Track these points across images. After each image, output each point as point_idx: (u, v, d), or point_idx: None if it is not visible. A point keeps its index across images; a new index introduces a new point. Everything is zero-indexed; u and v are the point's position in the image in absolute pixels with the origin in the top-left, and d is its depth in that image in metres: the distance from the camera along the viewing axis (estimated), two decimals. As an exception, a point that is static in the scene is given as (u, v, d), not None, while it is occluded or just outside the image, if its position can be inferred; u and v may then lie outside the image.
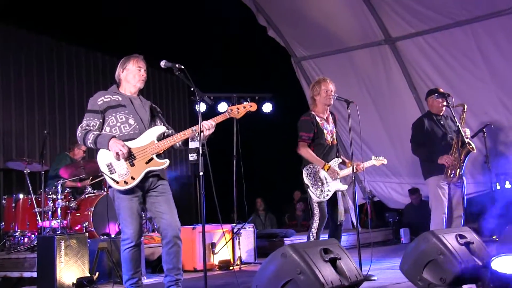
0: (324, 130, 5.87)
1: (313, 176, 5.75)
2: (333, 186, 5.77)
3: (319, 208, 5.71)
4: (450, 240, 4.49)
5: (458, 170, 6.18)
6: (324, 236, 5.75)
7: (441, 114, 6.59)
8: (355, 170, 5.84)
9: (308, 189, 5.74)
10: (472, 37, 8.84)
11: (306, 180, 5.75)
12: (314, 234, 5.70)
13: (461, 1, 8.47)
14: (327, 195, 5.73)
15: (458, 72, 9.22)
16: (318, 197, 5.69)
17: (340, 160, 5.91)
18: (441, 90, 6.64)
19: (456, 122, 6.23)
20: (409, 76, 9.82)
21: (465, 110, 6.44)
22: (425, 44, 9.35)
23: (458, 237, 4.60)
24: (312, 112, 5.91)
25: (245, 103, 4.79)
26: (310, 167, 5.78)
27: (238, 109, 4.72)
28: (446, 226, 6.20)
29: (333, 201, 5.83)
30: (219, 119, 4.63)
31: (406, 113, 9.75)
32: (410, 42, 9.53)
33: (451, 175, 6.23)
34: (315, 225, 5.70)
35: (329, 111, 6.07)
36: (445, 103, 6.45)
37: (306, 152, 5.79)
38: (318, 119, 5.86)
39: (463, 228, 4.97)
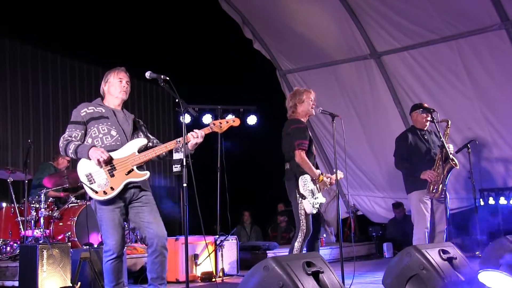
0: (313, 139, 5.89)
1: (307, 187, 5.68)
2: (320, 199, 5.74)
3: (306, 221, 5.57)
4: (433, 255, 4.51)
5: (441, 185, 6.20)
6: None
7: (425, 129, 6.63)
8: (330, 184, 5.85)
9: (304, 199, 5.56)
10: (457, 53, 8.92)
11: (302, 190, 5.57)
12: (298, 248, 5.63)
13: (447, 17, 8.55)
14: (316, 208, 5.69)
15: (443, 87, 9.28)
16: (312, 210, 5.61)
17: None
18: (426, 105, 6.68)
19: (441, 137, 6.26)
20: (394, 90, 9.88)
21: (449, 125, 6.50)
22: (410, 59, 9.42)
23: (441, 252, 4.62)
24: (302, 119, 5.81)
25: (228, 117, 4.80)
26: (306, 178, 5.63)
27: (221, 123, 4.73)
28: (428, 241, 6.21)
29: (316, 214, 5.81)
30: (201, 132, 4.63)
31: (391, 127, 9.81)
32: (395, 57, 9.59)
33: (434, 190, 6.25)
34: (300, 238, 5.57)
35: None
36: (429, 118, 6.47)
37: (305, 161, 5.59)
38: None
39: (446, 243, 5.00)
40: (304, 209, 5.57)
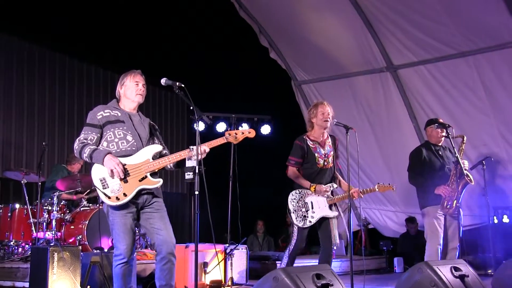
0: (316, 154, 5.84)
1: (297, 201, 5.72)
2: (319, 213, 5.72)
3: (297, 233, 5.71)
4: (445, 272, 4.47)
5: (455, 201, 6.16)
6: (313, 261, 5.72)
7: (440, 144, 6.59)
8: (352, 197, 5.79)
9: (290, 214, 5.73)
10: (475, 69, 8.83)
11: (289, 205, 5.75)
12: (286, 259, 5.76)
13: (466, 32, 8.48)
14: (310, 222, 5.69)
15: (459, 102, 9.20)
16: (298, 223, 5.68)
17: (336, 186, 5.89)
18: (441, 120, 6.64)
19: (455, 153, 6.22)
20: (409, 104, 9.82)
21: (465, 141, 6.44)
22: (427, 73, 9.34)
23: (453, 269, 4.57)
24: (304, 137, 5.91)
25: (244, 129, 4.79)
26: (296, 193, 5.77)
27: (236, 134, 4.72)
28: (440, 258, 6.16)
29: (324, 226, 5.78)
30: (216, 142, 4.64)
31: (405, 141, 9.74)
32: (412, 71, 9.53)
33: (448, 206, 6.21)
34: (290, 248, 5.75)
35: (329, 134, 6.05)
36: (444, 134, 6.44)
37: (293, 174, 5.83)
38: (310, 143, 5.86)
39: (458, 261, 4.95)
40: (294, 222, 5.72)
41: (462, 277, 4.56)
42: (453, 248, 6.29)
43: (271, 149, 10.73)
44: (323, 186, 5.75)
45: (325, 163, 5.88)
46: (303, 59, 10.71)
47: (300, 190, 5.76)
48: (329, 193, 5.81)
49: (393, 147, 10.26)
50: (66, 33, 9.42)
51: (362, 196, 5.94)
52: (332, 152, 5.97)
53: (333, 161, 5.99)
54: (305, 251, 11.56)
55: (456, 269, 4.60)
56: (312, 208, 5.69)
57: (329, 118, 5.88)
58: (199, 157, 4.46)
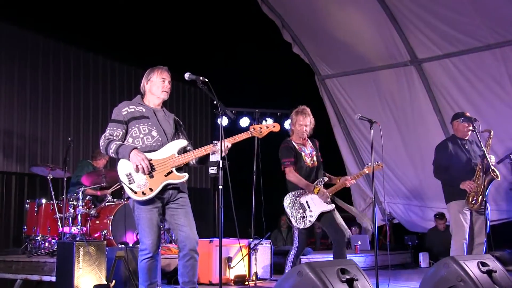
0: (302, 153, 5.89)
1: (293, 204, 5.73)
2: (317, 210, 5.71)
3: (298, 235, 5.73)
4: (472, 267, 4.40)
5: (481, 196, 6.08)
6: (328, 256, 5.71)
7: (466, 138, 6.50)
8: (343, 185, 5.85)
9: (289, 218, 5.74)
10: (502, 62, 8.71)
11: (287, 210, 5.75)
12: (291, 263, 5.77)
13: (492, 24, 8.36)
14: (310, 221, 5.69)
15: (486, 96, 9.09)
16: (298, 225, 5.68)
17: (326, 179, 5.88)
18: (468, 114, 6.55)
19: (482, 148, 6.13)
20: (434, 98, 9.72)
21: (492, 136, 6.33)
22: (452, 66, 9.25)
23: (480, 264, 4.50)
24: (288, 139, 5.97)
25: (268, 123, 4.78)
26: (290, 196, 5.78)
27: (261, 128, 4.72)
28: (466, 253, 6.09)
29: (328, 220, 5.76)
30: (241, 137, 4.63)
31: (430, 135, 9.65)
32: (436, 64, 9.43)
33: (473, 202, 6.13)
34: (293, 251, 5.78)
35: (309, 138, 6.07)
36: (471, 128, 6.35)
37: (294, 176, 5.79)
38: (295, 144, 5.91)
39: (485, 256, 4.87)
40: (293, 224, 5.73)
41: (489, 272, 4.49)
42: (480, 243, 6.21)
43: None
44: (326, 191, 5.74)
45: (312, 162, 5.92)
46: (326, 53, 10.67)
47: (293, 192, 5.78)
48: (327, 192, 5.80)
49: (418, 141, 10.18)
50: (91, 30, 9.48)
51: (354, 182, 6.00)
52: (314, 152, 6.02)
53: (318, 160, 5.99)
54: (329, 246, 11.53)
55: (483, 264, 4.53)
56: (309, 207, 5.70)
57: (307, 129, 5.93)
58: (223, 153, 4.47)
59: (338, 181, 5.92)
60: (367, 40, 9.93)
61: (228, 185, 4.40)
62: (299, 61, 10.89)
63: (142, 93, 4.80)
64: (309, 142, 6.04)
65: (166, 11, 9.93)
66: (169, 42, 10.19)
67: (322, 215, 5.73)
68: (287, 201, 5.76)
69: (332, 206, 5.77)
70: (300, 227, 5.68)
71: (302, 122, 5.89)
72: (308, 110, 6.00)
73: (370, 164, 5.97)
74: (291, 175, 5.80)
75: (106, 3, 9.18)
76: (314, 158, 5.96)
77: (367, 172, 5.98)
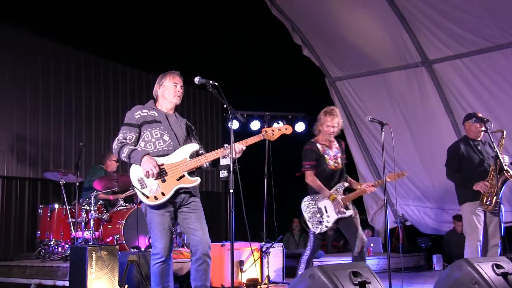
0: (326, 156, 5.85)
1: (311, 208, 5.71)
2: (334, 215, 5.69)
3: (314, 239, 5.72)
4: (486, 269, 4.37)
5: (495, 197, 6.03)
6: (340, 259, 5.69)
7: (479, 139, 6.46)
8: (363, 191, 5.84)
9: (306, 222, 5.73)
10: (513, 61, 8.69)
11: (304, 213, 5.74)
12: (304, 265, 5.72)
13: (503, 24, 8.31)
14: (326, 226, 5.68)
15: (497, 96, 9.03)
16: (315, 229, 5.66)
17: (347, 184, 5.85)
18: (480, 114, 6.52)
19: (495, 148, 6.09)
20: (445, 99, 9.67)
21: (504, 136, 6.29)
22: (463, 67, 9.20)
23: (494, 266, 4.46)
24: (313, 140, 5.93)
25: (280, 125, 4.77)
26: (308, 199, 5.77)
27: (273, 131, 4.71)
28: (481, 255, 6.05)
29: (347, 225, 5.74)
30: (253, 140, 4.62)
31: (442, 137, 9.60)
32: (447, 65, 9.38)
33: (487, 203, 6.08)
34: (307, 253, 5.75)
35: (335, 139, 6.03)
36: (483, 128, 6.32)
37: (313, 181, 5.77)
38: (319, 146, 5.87)
39: (500, 258, 4.83)
40: (310, 228, 5.72)
41: (504, 275, 4.45)
42: (494, 245, 6.16)
43: (306, 146, 10.69)
44: (340, 201, 5.70)
45: (335, 164, 5.88)
46: (336, 55, 10.65)
47: (312, 196, 5.76)
48: (341, 197, 5.76)
49: (430, 143, 10.13)
50: (102, 35, 9.53)
51: (375, 189, 5.95)
52: (339, 154, 5.97)
53: (342, 162, 5.97)
54: (340, 249, 11.52)
55: (498, 266, 4.49)
56: (326, 212, 5.68)
57: (335, 130, 5.89)
58: (236, 156, 4.46)
59: (358, 187, 5.88)
60: (377, 42, 9.91)
61: (239, 189, 4.40)
62: (310, 64, 10.88)
63: (154, 98, 4.82)
64: (335, 143, 6.01)
65: (176, 15, 9.96)
66: (179, 46, 10.22)
67: (340, 220, 5.72)
68: (305, 204, 5.76)
69: (350, 212, 5.73)
70: (316, 232, 5.66)
71: (330, 123, 5.85)
72: (337, 110, 5.98)
73: (392, 171, 6.02)
74: (310, 179, 5.79)
75: (117, 7, 9.22)
76: (339, 160, 5.92)
77: (389, 180, 5.92)
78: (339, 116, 5.94)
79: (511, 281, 4.46)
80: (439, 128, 9.92)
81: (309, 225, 5.68)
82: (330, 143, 5.95)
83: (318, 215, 5.66)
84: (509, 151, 8.40)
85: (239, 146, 4.51)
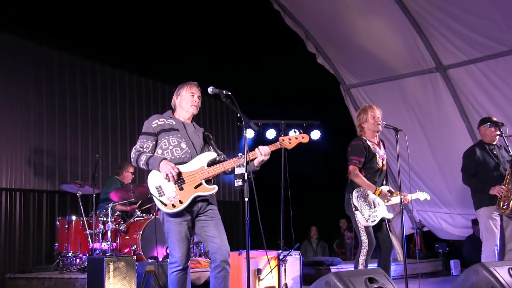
0: (377, 154, 5.80)
1: (364, 199, 5.65)
2: (380, 212, 5.66)
3: (366, 233, 5.58)
4: (502, 273, 4.36)
5: (512, 201, 6.02)
6: (373, 265, 5.65)
7: (494, 143, 6.45)
8: (402, 201, 5.75)
9: (357, 211, 5.61)
10: (528, 65, 8.64)
11: (356, 202, 5.63)
12: (363, 262, 5.57)
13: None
14: (374, 220, 5.63)
15: (512, 100, 9.01)
16: (366, 221, 5.58)
17: (388, 188, 5.82)
18: (494, 119, 6.51)
19: (510, 152, 6.08)
20: (460, 104, 9.64)
21: (519, 139, 6.30)
22: (478, 72, 9.16)
23: (511, 270, 4.46)
24: (363, 137, 5.86)
25: (297, 134, 4.79)
26: (360, 190, 5.68)
27: (290, 140, 4.71)
28: (498, 259, 6.02)
29: (380, 228, 5.73)
30: (270, 148, 4.63)
31: (457, 142, 9.56)
32: (462, 70, 9.35)
33: (504, 207, 6.07)
34: (364, 251, 5.57)
35: (379, 138, 6.01)
36: (498, 133, 6.31)
37: (357, 176, 5.68)
38: (369, 143, 5.81)
39: (516, 262, 4.82)
40: (359, 221, 5.57)
41: (521, 279, 4.44)
42: (511, 249, 6.14)
43: (322, 154, 10.72)
44: (387, 192, 5.68)
45: (383, 165, 5.86)
46: (351, 63, 10.66)
47: (362, 188, 5.69)
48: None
49: (445, 148, 10.09)
50: (118, 46, 9.61)
51: (409, 201, 5.87)
52: (385, 155, 5.94)
53: (387, 163, 5.94)
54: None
55: (514, 270, 4.49)
56: (375, 207, 5.64)
57: (380, 121, 5.83)
58: (264, 159, 4.53)
59: (395, 195, 5.81)
60: (391, 48, 9.90)
61: (254, 197, 4.42)
62: (324, 72, 10.90)
63: (172, 108, 4.89)
64: (381, 143, 6.00)
65: (190, 25, 10.03)
66: (193, 56, 10.28)
67: (380, 221, 5.71)
68: (357, 194, 5.67)
69: (392, 215, 5.74)
70: (365, 224, 5.58)
71: (375, 114, 5.85)
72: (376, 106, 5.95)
73: (422, 193, 6.06)
74: (356, 174, 5.70)
75: (132, 19, 9.30)
76: (385, 161, 5.91)
77: (418, 197, 6.01)
78: (380, 110, 5.92)
79: (526, 285, 4.45)
80: (454, 133, 9.88)
81: (358, 215, 5.59)
82: (378, 143, 5.93)
83: (368, 207, 5.61)
84: (525, 155, 8.36)
85: (265, 149, 4.54)
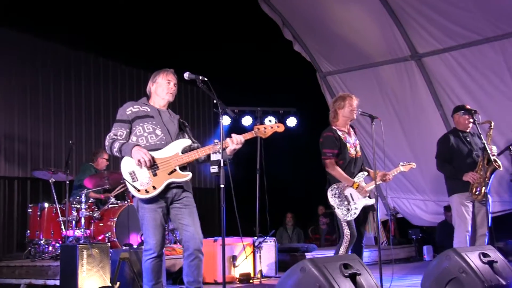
0: (347, 144, 5.76)
1: (339, 195, 5.64)
2: (360, 203, 5.66)
3: (348, 227, 5.57)
4: (473, 258, 4.43)
5: (484, 187, 6.10)
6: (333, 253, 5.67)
7: (468, 131, 6.52)
8: (382, 181, 5.77)
9: (335, 210, 5.60)
10: (501, 54, 8.71)
11: (332, 201, 5.60)
12: (343, 254, 5.63)
13: (491, 18, 8.36)
14: (355, 213, 5.61)
15: (486, 89, 9.09)
16: (346, 217, 5.60)
17: (366, 173, 5.83)
18: (468, 106, 6.57)
19: (483, 139, 6.15)
20: (435, 92, 9.73)
21: (492, 127, 6.36)
22: (452, 60, 9.25)
23: (481, 255, 4.53)
24: (334, 127, 5.84)
25: (273, 123, 4.77)
26: (334, 187, 5.64)
27: (265, 128, 4.70)
28: (469, 245, 6.11)
29: (363, 217, 5.76)
30: (245, 136, 4.61)
31: (431, 129, 9.66)
32: (437, 58, 9.43)
33: (477, 192, 6.15)
34: (345, 244, 5.57)
35: (350, 124, 6.01)
36: (471, 120, 6.38)
37: (334, 169, 5.65)
38: (340, 133, 5.78)
39: (486, 247, 4.91)
40: (340, 217, 5.59)
41: (490, 263, 4.52)
42: (482, 235, 6.23)
43: (297, 141, 10.73)
44: (364, 185, 5.70)
45: (355, 152, 5.84)
46: (327, 50, 10.68)
47: (337, 184, 5.68)
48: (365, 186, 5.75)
49: (420, 135, 10.19)
50: (92, 32, 9.46)
51: (391, 178, 5.87)
52: (357, 142, 5.94)
53: (361, 150, 5.95)
54: (334, 242, 11.54)
55: (485, 255, 4.56)
56: (353, 199, 5.64)
57: (356, 110, 5.83)
58: (236, 147, 4.49)
59: (375, 176, 5.79)
60: (367, 36, 9.94)
61: (230, 184, 4.41)
62: (301, 59, 10.90)
63: (148, 95, 4.84)
64: (352, 130, 5.97)
65: (166, 12, 9.92)
66: (169, 42, 10.18)
67: (362, 209, 5.70)
68: (331, 192, 5.62)
69: (374, 200, 5.72)
70: (348, 219, 5.59)
71: (352, 103, 5.81)
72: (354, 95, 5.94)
73: (405, 163, 6.00)
74: (332, 168, 5.66)
75: (106, 4, 9.16)
76: (358, 148, 5.87)
77: (402, 169, 5.97)
78: (357, 100, 5.90)
79: (497, 269, 4.52)
80: (429, 120, 9.98)
81: (339, 212, 5.58)
82: (349, 131, 5.90)
83: (346, 203, 5.60)
84: (496, 142, 8.46)
85: (239, 137, 4.52)
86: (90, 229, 7.38)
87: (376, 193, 5.69)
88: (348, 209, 5.58)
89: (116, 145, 4.50)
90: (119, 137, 4.57)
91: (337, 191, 5.63)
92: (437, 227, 10.57)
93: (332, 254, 5.75)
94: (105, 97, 10.58)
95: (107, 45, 10.03)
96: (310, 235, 12.29)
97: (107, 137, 4.60)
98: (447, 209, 10.13)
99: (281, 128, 4.77)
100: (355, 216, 5.60)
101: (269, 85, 11.05)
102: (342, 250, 5.56)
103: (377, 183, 5.65)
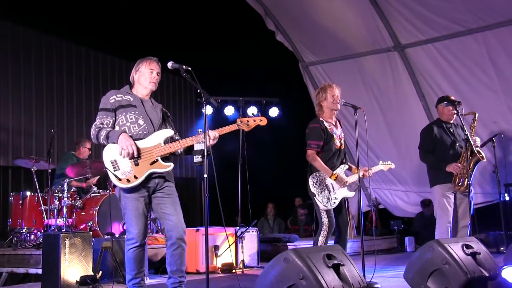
0: (334, 135, 5.79)
1: (319, 184, 5.66)
2: (340, 193, 5.70)
3: (327, 216, 5.62)
4: (456, 249, 4.45)
5: (467, 179, 6.12)
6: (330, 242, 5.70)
7: (451, 122, 6.55)
8: (362, 176, 5.80)
9: (315, 197, 5.63)
10: (484, 46, 8.75)
11: (313, 189, 5.64)
12: (322, 242, 5.63)
13: (474, 9, 8.39)
14: (334, 203, 5.65)
15: (468, 80, 9.14)
16: (325, 206, 5.61)
17: (347, 167, 5.85)
18: (452, 97, 6.59)
19: (466, 131, 6.18)
20: (418, 83, 9.76)
21: (476, 118, 6.40)
22: (435, 51, 9.28)
23: (464, 247, 4.56)
24: (321, 118, 5.84)
25: (255, 116, 4.77)
26: (316, 175, 5.68)
27: (248, 122, 4.71)
28: (451, 236, 6.15)
29: (339, 208, 5.78)
30: (228, 129, 4.62)
31: (414, 120, 9.71)
32: (419, 49, 9.46)
33: (459, 184, 6.18)
34: (324, 233, 5.62)
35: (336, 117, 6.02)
36: (455, 111, 6.40)
37: (315, 160, 5.68)
38: (326, 124, 5.78)
39: (469, 238, 4.93)
40: (319, 205, 5.62)
41: (473, 255, 4.55)
42: (464, 226, 6.27)
43: (280, 131, 10.72)
44: (344, 177, 5.72)
45: (340, 144, 5.87)
46: (310, 40, 10.66)
47: (318, 173, 5.71)
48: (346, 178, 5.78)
49: (402, 126, 10.23)
50: (74, 21, 9.37)
51: (371, 175, 5.92)
52: (343, 134, 5.96)
53: (345, 142, 5.97)
54: (312, 233, 11.58)
55: (468, 246, 4.59)
56: (333, 189, 5.67)
57: (339, 100, 5.83)
58: (210, 143, 4.44)
59: (355, 171, 5.82)
60: (350, 26, 9.93)
61: (213, 173, 4.39)
62: (283, 49, 10.87)
63: (131, 84, 4.79)
64: (337, 122, 5.98)
65: (149, 2, 9.84)
66: (153, 32, 10.10)
67: (340, 201, 5.74)
68: (312, 180, 5.66)
69: (354, 193, 5.78)
70: (327, 208, 5.60)
71: (334, 93, 5.79)
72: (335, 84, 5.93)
73: (385, 162, 6.13)
74: (313, 158, 5.69)
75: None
76: (342, 140, 5.91)
77: (381, 168, 6.08)
78: (339, 89, 5.89)
79: (479, 261, 4.55)
80: (411, 111, 10.02)
81: (319, 199, 5.61)
82: (336, 122, 5.92)
83: (326, 191, 5.63)
84: (479, 134, 8.50)
85: (213, 133, 4.51)
86: (72, 218, 7.36)
87: (358, 184, 5.74)
88: (328, 198, 5.62)
89: (103, 132, 4.46)
90: (105, 126, 4.53)
91: (318, 179, 5.66)
92: (415, 218, 10.68)
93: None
94: (87, 87, 10.50)
95: (89, 34, 9.94)
96: (289, 226, 12.32)
97: (93, 126, 4.55)
98: (424, 204, 10.24)
99: (263, 122, 4.79)
100: (335, 205, 5.65)
101: (251, 75, 11.02)
102: (321, 239, 5.60)
103: (359, 176, 5.69)
